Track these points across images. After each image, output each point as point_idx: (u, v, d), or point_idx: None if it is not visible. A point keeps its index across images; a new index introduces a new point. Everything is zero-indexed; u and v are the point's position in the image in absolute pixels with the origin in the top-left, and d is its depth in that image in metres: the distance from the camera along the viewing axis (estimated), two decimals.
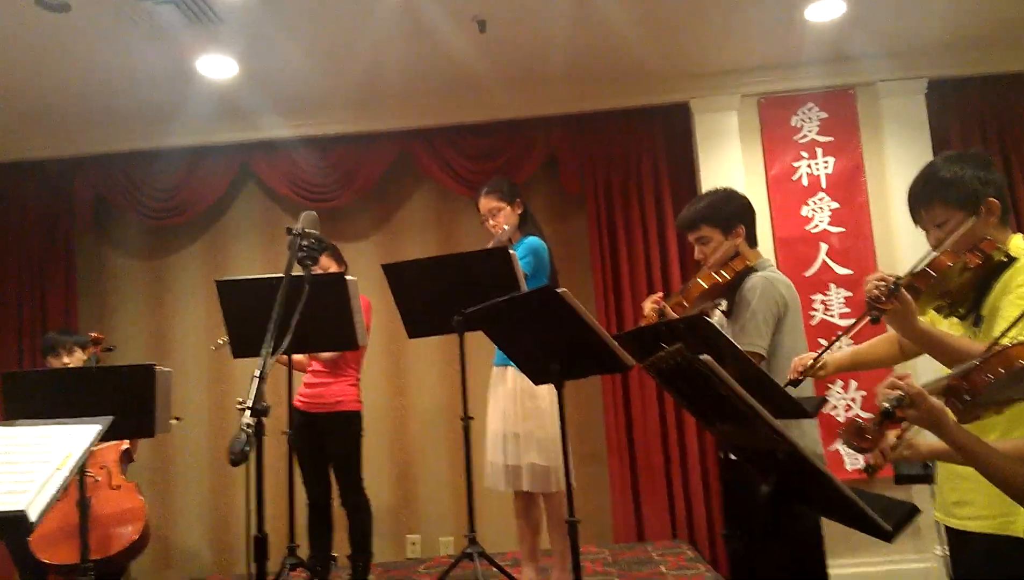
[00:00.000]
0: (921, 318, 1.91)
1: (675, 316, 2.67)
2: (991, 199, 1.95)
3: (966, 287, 1.95)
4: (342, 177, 5.22)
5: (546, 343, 2.59)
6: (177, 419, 3.93)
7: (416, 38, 4.29)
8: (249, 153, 5.26)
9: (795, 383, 2.15)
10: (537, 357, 2.68)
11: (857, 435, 1.48)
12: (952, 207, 1.98)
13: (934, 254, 1.93)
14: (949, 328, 2.07)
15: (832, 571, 2.70)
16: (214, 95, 4.75)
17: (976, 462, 1.51)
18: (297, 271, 2.39)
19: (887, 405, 1.45)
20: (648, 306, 2.77)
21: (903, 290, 1.82)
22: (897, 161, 4.80)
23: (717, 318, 2.89)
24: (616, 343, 2.48)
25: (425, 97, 5.06)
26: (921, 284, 1.89)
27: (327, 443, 3.96)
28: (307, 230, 2.34)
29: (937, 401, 1.48)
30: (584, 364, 2.64)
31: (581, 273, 5.14)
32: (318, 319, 2.86)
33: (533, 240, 3.53)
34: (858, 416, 1.53)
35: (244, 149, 5.25)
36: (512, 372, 3.39)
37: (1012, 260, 1.92)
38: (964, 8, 4.42)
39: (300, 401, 3.94)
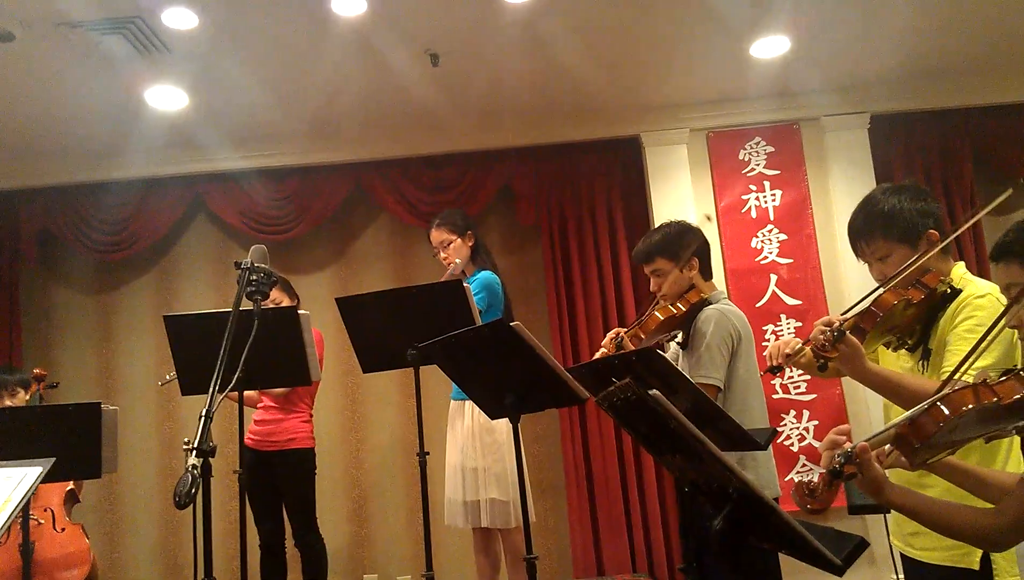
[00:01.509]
0: (870, 355, 1.93)
1: (632, 348, 2.68)
2: (931, 231, 1.98)
3: (912, 321, 1.97)
4: (296, 209, 5.18)
5: (501, 377, 2.57)
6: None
7: (370, 70, 4.31)
8: (201, 185, 5.19)
9: (775, 370, 2.07)
10: (492, 391, 2.66)
11: (809, 496, 1.49)
12: (893, 240, 2.01)
13: (878, 292, 1.95)
14: (898, 360, 2.09)
15: None
16: (164, 126, 4.69)
17: (918, 520, 1.53)
18: (248, 306, 2.35)
19: (835, 466, 1.46)
20: (607, 338, 2.79)
21: (849, 335, 1.83)
22: (842, 193, 4.92)
23: (673, 350, 2.91)
24: (570, 376, 2.48)
25: (380, 129, 5.06)
26: (867, 325, 1.91)
27: (279, 482, 3.88)
28: (256, 264, 2.31)
29: (879, 467, 1.49)
30: (539, 397, 2.62)
31: (536, 305, 5.15)
32: (269, 354, 2.80)
33: (486, 274, 3.54)
34: (809, 481, 1.52)
35: (196, 181, 5.18)
36: (470, 406, 3.38)
37: (956, 291, 1.96)
38: (905, 45, 4.57)
39: (251, 439, 3.86)
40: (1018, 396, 1.39)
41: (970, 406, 1.38)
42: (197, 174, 5.15)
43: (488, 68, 4.43)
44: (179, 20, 3.68)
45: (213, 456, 1.87)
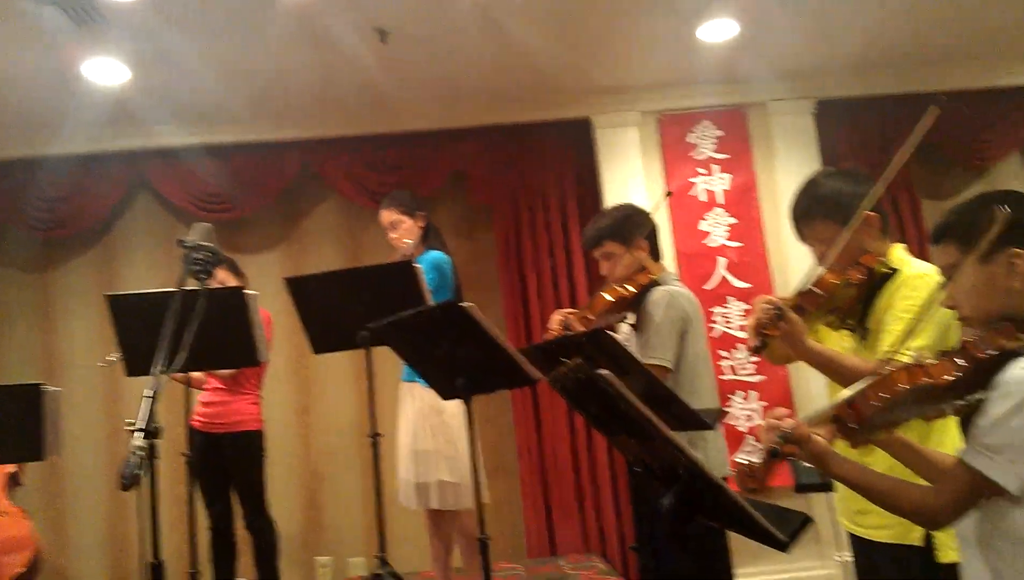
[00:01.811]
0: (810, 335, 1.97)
1: (581, 329, 2.69)
2: (869, 213, 2.01)
3: (853, 301, 2.02)
4: (244, 187, 5.07)
5: (453, 358, 2.57)
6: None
7: (318, 46, 4.22)
8: (144, 162, 5.05)
9: (759, 350, 2.02)
10: (444, 372, 2.66)
11: (749, 477, 1.52)
12: (832, 223, 2.04)
13: (819, 273, 1.99)
14: (840, 340, 2.14)
15: None
16: (104, 101, 4.54)
17: (861, 492, 1.57)
18: (193, 285, 2.30)
19: (773, 446, 1.49)
20: (554, 320, 2.80)
21: (788, 312, 1.87)
22: (787, 178, 4.96)
23: (626, 331, 2.93)
24: (523, 357, 2.49)
25: (331, 107, 4.98)
26: (807, 304, 1.95)
27: (228, 464, 3.83)
28: (200, 242, 2.26)
29: (820, 440, 1.52)
30: (491, 379, 2.63)
31: (489, 287, 5.14)
32: (216, 335, 2.76)
33: (436, 255, 3.51)
34: (749, 462, 1.55)
35: (139, 158, 5.03)
36: (419, 388, 3.36)
37: (895, 271, 2.01)
38: (851, 33, 4.64)
39: (197, 420, 3.81)
40: (950, 377, 1.43)
41: (904, 386, 1.42)
42: (140, 151, 5.01)
43: (440, 47, 4.38)
44: None
45: (157, 437, 1.84)
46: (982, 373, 1.43)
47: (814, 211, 2.10)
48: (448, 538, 3.54)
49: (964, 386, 1.44)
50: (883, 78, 5.16)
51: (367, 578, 3.45)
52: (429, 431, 3.36)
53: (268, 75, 4.52)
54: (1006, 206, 1.45)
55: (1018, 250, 1.45)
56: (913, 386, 1.41)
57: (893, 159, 1.87)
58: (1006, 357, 1.42)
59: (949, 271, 1.55)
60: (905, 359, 1.48)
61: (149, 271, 5.17)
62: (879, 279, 2.00)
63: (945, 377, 1.42)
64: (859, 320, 2.05)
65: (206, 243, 2.27)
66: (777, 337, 1.89)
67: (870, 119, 5.23)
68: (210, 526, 3.89)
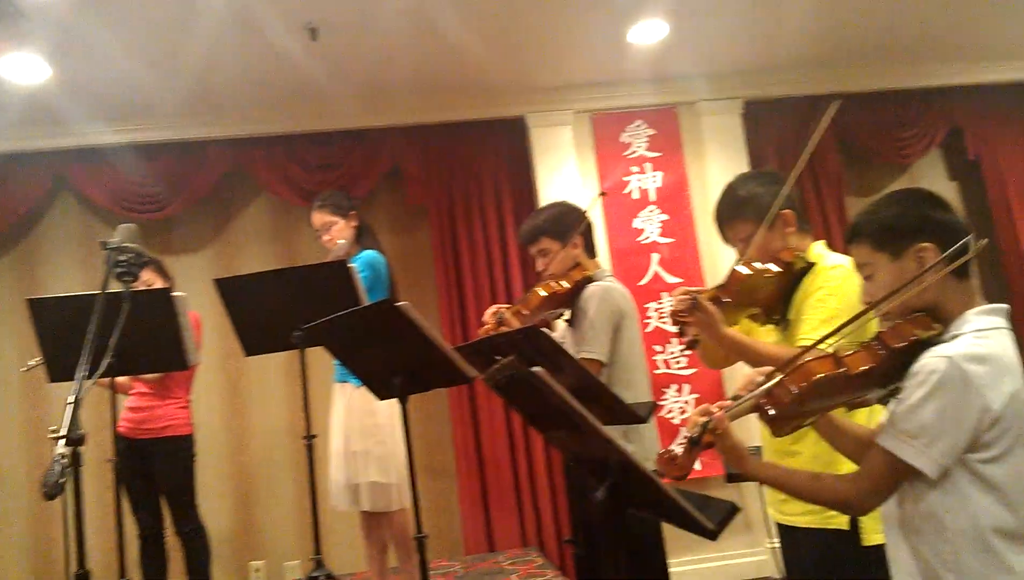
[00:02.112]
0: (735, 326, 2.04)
1: (516, 323, 2.71)
2: (785, 211, 2.10)
3: (775, 295, 2.10)
4: (172, 186, 4.93)
5: (388, 357, 2.56)
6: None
7: (248, 42, 4.13)
8: (66, 161, 4.87)
9: (690, 347, 2.13)
10: (380, 372, 2.64)
11: (669, 464, 1.55)
12: (751, 222, 2.13)
13: (735, 266, 2.07)
14: (765, 335, 2.21)
15: (669, 570, 2.80)
16: (22, 99, 4.36)
17: (780, 490, 1.62)
18: (117, 288, 2.24)
19: (692, 434, 1.53)
20: (488, 314, 2.81)
21: (702, 301, 1.94)
22: (717, 176, 5.08)
23: (563, 327, 2.96)
24: (458, 356, 2.49)
25: (262, 104, 4.89)
26: (725, 295, 2.03)
27: (156, 471, 3.73)
28: (124, 244, 2.20)
29: (737, 439, 1.56)
30: (427, 377, 2.63)
31: (426, 286, 5.12)
32: (142, 338, 2.70)
33: (370, 254, 3.48)
34: (671, 449, 1.59)
35: (60, 157, 4.85)
36: (351, 388, 3.33)
37: (813, 265, 2.09)
38: (777, 35, 4.77)
39: (124, 426, 3.70)
40: (866, 366, 1.48)
41: (821, 375, 1.47)
42: (61, 150, 4.83)
43: (372, 44, 4.34)
44: None
45: (81, 444, 1.79)
46: (898, 363, 1.48)
47: (733, 213, 2.20)
48: (382, 538, 3.53)
49: (881, 375, 1.49)
50: (808, 79, 5.32)
51: None
52: (360, 432, 3.33)
53: (196, 71, 4.41)
54: (984, 239, 1.50)
55: (924, 245, 1.52)
56: (830, 375, 1.46)
57: (801, 155, 1.96)
58: (920, 346, 1.48)
59: (864, 269, 1.61)
60: (827, 350, 1.53)
61: (72, 274, 5.01)
62: (799, 273, 2.08)
63: (862, 367, 1.47)
64: (783, 314, 2.12)
65: (130, 244, 2.22)
66: (692, 324, 1.95)
67: (795, 118, 5.38)
68: (139, 533, 3.79)
